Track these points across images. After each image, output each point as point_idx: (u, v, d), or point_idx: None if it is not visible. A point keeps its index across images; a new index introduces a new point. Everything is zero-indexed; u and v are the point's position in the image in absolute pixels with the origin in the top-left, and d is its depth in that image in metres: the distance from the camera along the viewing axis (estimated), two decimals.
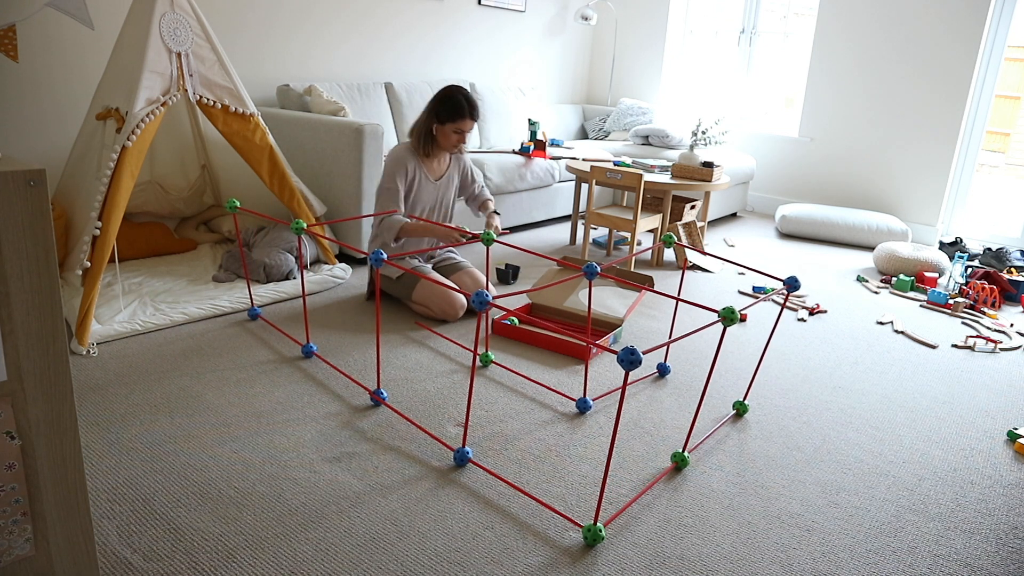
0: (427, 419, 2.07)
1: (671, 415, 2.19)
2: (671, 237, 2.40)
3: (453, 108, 2.73)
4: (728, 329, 2.97)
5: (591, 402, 2.19)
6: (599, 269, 2.13)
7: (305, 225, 2.35)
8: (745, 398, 2.27)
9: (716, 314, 1.70)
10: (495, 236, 2.66)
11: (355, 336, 2.63)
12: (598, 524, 1.57)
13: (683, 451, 1.90)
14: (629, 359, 1.38)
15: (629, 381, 2.40)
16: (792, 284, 2.05)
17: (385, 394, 2.16)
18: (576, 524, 1.63)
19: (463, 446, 1.86)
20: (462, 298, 2.78)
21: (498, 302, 2.94)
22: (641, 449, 1.98)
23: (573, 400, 2.24)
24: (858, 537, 1.66)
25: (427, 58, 4.86)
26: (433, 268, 3.03)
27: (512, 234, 4.40)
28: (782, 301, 3.39)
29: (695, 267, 3.90)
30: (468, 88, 4.80)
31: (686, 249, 3.99)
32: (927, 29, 4.74)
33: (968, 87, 4.67)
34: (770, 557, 1.57)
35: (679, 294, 2.35)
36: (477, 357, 2.54)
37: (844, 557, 1.59)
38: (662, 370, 2.48)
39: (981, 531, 1.72)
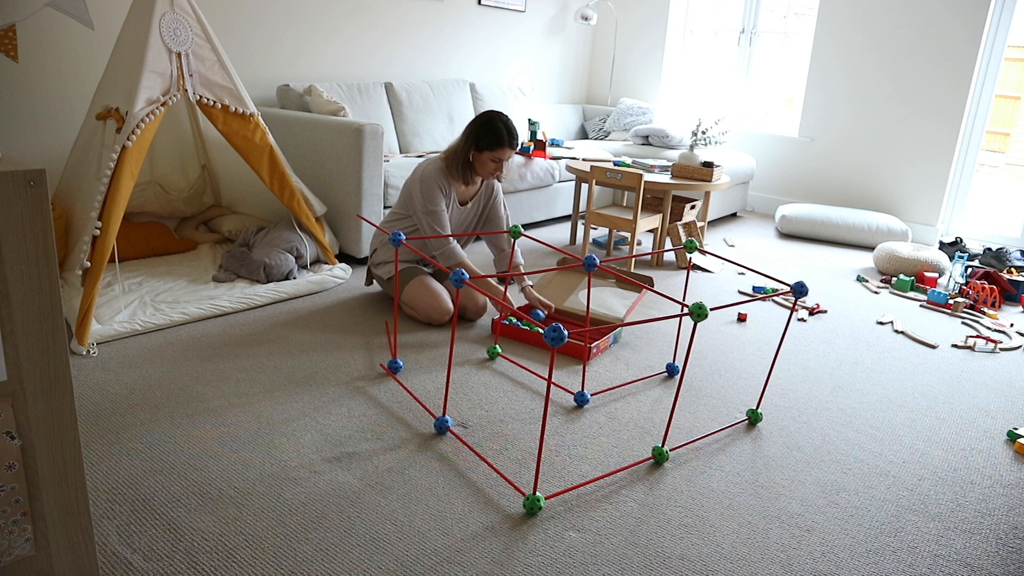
0: (428, 417, 2.07)
1: (676, 416, 2.18)
2: (693, 243, 2.32)
3: (493, 136, 2.64)
4: (728, 330, 2.97)
5: (588, 396, 2.21)
6: (598, 261, 2.15)
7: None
8: (758, 406, 2.22)
9: (685, 307, 1.71)
10: (541, 314, 2.77)
11: (355, 336, 2.63)
12: (537, 494, 1.66)
13: (663, 446, 1.91)
14: (552, 336, 1.46)
15: (635, 379, 2.40)
16: (799, 290, 1.96)
17: (400, 363, 2.24)
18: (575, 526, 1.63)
19: (443, 415, 1.97)
20: (448, 304, 2.77)
21: (476, 283, 2.95)
22: (641, 450, 1.98)
23: (572, 393, 2.25)
24: (858, 537, 1.66)
25: (427, 58, 4.86)
26: (433, 271, 3.02)
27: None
28: (790, 307, 3.39)
29: (696, 267, 3.90)
30: (469, 88, 4.80)
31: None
32: (927, 30, 4.74)
33: (968, 87, 4.67)
34: (770, 557, 1.57)
35: (684, 295, 2.36)
36: (485, 349, 2.57)
37: (844, 557, 1.59)
38: (671, 370, 2.49)
39: (981, 531, 1.72)
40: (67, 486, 1.09)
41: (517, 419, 2.10)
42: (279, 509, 1.62)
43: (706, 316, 1.66)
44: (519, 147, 2.70)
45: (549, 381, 1.55)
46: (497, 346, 2.52)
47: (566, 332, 1.49)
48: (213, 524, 1.55)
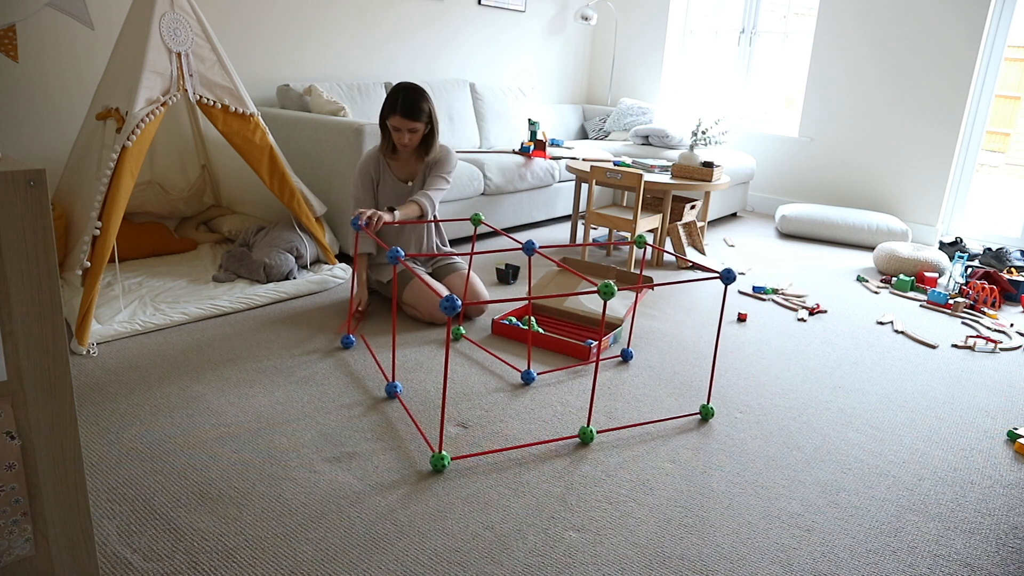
0: (426, 418, 2.07)
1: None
2: (642, 238, 2.51)
3: (387, 103, 2.67)
4: (728, 330, 2.97)
5: (534, 374, 2.35)
6: (536, 246, 2.31)
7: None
8: (708, 400, 2.22)
9: (595, 286, 2.00)
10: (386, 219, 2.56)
11: (355, 336, 2.63)
12: (443, 452, 1.81)
13: (588, 425, 2.00)
14: (446, 305, 1.59)
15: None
16: (727, 276, 2.02)
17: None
18: (577, 528, 1.63)
19: (393, 380, 2.17)
20: None
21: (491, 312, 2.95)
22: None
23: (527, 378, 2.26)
24: (858, 537, 1.66)
25: (427, 58, 4.86)
26: (431, 269, 3.02)
27: (512, 234, 4.39)
28: (786, 305, 3.39)
29: (695, 266, 3.90)
30: (469, 88, 4.80)
31: (687, 248, 3.99)
32: (927, 30, 4.74)
33: (968, 87, 4.67)
34: (770, 557, 1.57)
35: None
36: (451, 338, 2.57)
37: (844, 557, 1.59)
38: (625, 356, 2.55)
39: (981, 531, 1.72)
40: (67, 486, 1.09)
41: (517, 418, 2.10)
42: (279, 509, 1.62)
43: (613, 294, 1.77)
44: (422, 118, 2.66)
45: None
46: (461, 328, 2.67)
47: (459, 301, 1.61)
48: (213, 524, 1.55)
